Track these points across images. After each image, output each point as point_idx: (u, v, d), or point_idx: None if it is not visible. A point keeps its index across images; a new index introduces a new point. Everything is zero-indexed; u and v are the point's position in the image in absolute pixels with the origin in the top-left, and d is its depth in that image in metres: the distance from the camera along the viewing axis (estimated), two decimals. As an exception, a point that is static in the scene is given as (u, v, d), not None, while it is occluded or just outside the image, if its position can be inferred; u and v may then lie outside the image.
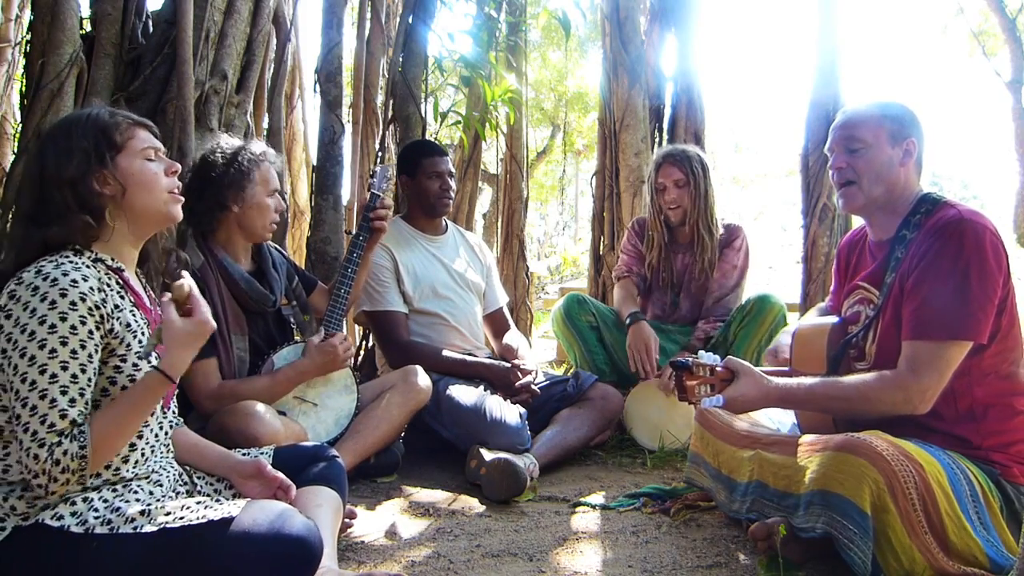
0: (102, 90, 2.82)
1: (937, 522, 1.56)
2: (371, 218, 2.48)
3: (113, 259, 1.47)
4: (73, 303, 1.32)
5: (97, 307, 1.35)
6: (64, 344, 1.30)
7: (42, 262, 1.36)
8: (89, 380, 1.33)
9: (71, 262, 1.37)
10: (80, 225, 1.40)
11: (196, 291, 1.41)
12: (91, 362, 1.33)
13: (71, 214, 1.40)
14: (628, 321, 3.01)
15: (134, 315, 1.45)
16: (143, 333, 1.45)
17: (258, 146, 2.34)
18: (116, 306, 1.40)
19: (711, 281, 3.10)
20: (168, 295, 1.39)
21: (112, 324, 1.38)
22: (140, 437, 1.45)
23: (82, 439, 1.29)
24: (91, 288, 1.35)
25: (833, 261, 2.35)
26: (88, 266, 1.39)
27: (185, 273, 1.47)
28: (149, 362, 1.43)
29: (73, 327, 1.31)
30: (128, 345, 1.41)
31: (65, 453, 1.27)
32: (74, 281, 1.33)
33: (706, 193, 3.03)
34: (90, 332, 1.33)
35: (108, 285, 1.41)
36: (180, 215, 1.55)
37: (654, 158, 3.16)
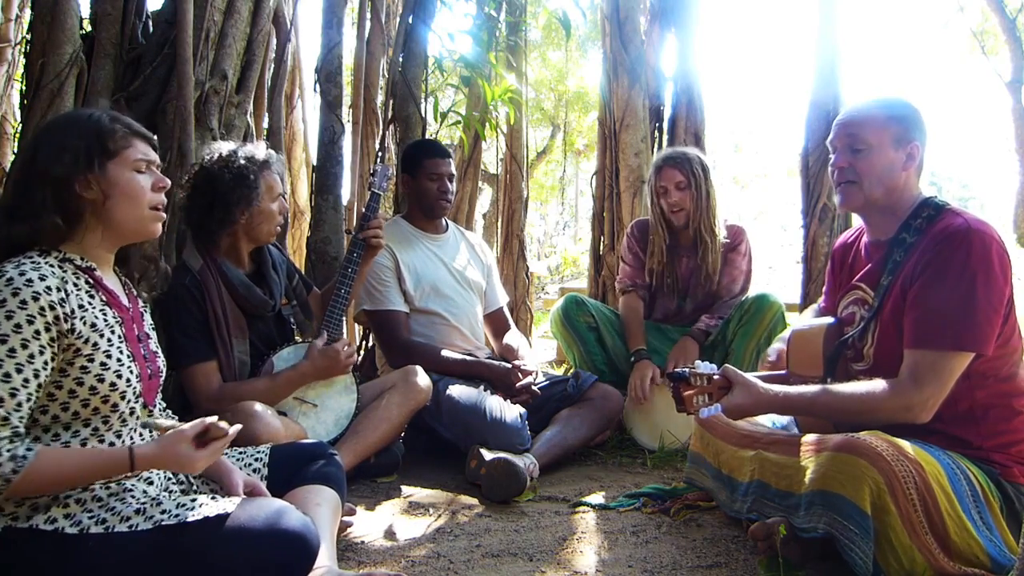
0: (102, 90, 2.81)
1: (938, 522, 1.56)
2: (365, 237, 2.45)
3: (83, 259, 1.46)
4: (23, 302, 1.30)
5: (51, 307, 1.32)
6: (3, 342, 1.28)
7: (5, 264, 1.35)
8: (25, 380, 1.29)
9: (32, 262, 1.36)
10: (49, 228, 1.39)
11: (226, 441, 1.42)
12: (31, 363, 1.30)
13: (45, 213, 1.39)
14: (632, 360, 3.03)
15: (104, 314, 1.44)
16: (113, 332, 1.44)
17: (260, 151, 2.29)
18: (80, 306, 1.39)
19: (719, 287, 3.10)
20: (211, 422, 1.40)
21: (72, 324, 1.36)
22: (119, 436, 1.45)
23: (21, 463, 1.25)
24: (48, 288, 1.33)
25: (833, 261, 2.34)
26: (53, 266, 1.38)
27: (237, 428, 1.47)
28: (118, 361, 1.41)
29: (17, 326, 1.29)
30: (95, 345, 1.39)
31: None
32: (29, 280, 1.32)
33: (708, 195, 3.00)
34: (36, 332, 1.31)
35: (75, 285, 1.40)
36: (159, 232, 1.54)
37: (654, 161, 3.14)
